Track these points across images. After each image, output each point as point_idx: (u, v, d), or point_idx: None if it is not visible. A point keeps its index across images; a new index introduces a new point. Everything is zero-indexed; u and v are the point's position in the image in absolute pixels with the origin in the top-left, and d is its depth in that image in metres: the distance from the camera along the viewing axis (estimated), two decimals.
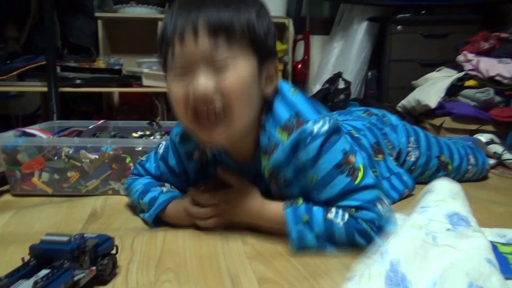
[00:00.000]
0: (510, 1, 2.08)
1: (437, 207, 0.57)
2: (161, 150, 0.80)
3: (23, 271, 0.48)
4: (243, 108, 0.61)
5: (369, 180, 0.64)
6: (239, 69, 0.58)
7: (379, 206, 0.62)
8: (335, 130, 0.64)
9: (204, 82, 0.57)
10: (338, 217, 0.61)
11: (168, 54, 0.60)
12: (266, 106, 0.66)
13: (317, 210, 0.63)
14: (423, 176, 1.03)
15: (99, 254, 0.53)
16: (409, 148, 0.99)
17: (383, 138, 0.94)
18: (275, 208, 0.66)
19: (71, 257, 0.49)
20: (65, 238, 0.50)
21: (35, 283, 0.44)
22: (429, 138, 1.03)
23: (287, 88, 0.67)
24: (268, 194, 0.70)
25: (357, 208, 0.61)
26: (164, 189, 0.77)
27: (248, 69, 0.60)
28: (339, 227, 0.61)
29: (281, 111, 0.64)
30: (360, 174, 0.63)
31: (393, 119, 1.02)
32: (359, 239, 0.61)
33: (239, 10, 0.58)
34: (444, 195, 0.60)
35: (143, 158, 0.84)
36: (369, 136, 0.90)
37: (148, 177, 0.81)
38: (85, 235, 0.53)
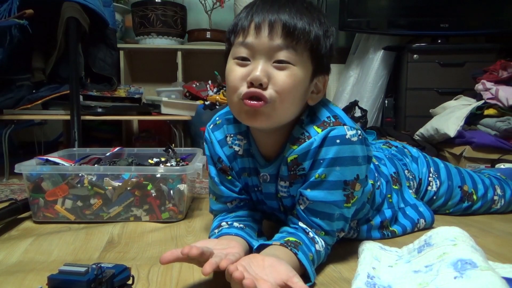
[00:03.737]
0: None
1: (441, 262, 0.58)
2: (209, 184, 0.81)
3: None
4: (288, 105, 0.65)
5: (351, 211, 0.70)
6: (295, 72, 0.64)
7: (338, 234, 0.71)
8: (363, 151, 0.67)
9: (264, 71, 0.63)
10: (321, 246, 0.68)
11: (236, 41, 0.66)
12: (309, 110, 0.71)
13: (310, 244, 0.66)
14: (446, 206, 1.01)
15: (115, 285, 0.54)
16: (430, 178, 0.99)
17: (403, 168, 0.95)
18: (284, 256, 0.61)
19: None
20: (83, 269, 0.51)
21: None
22: (449, 168, 1.03)
23: (329, 101, 0.74)
24: (272, 197, 0.76)
25: (326, 232, 0.69)
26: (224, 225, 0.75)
27: (302, 75, 0.65)
28: (322, 255, 0.69)
29: (322, 113, 0.70)
30: (352, 201, 0.69)
31: (414, 151, 1.03)
32: (324, 261, 0.71)
33: (312, 23, 0.65)
34: (443, 248, 0.61)
35: (210, 204, 0.82)
36: (388, 166, 0.92)
37: (219, 216, 0.80)
38: (102, 266, 0.54)
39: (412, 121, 2.08)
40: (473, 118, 1.67)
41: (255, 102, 0.63)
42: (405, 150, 1.02)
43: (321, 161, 0.66)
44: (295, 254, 0.62)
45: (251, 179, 0.78)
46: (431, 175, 0.99)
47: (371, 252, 0.71)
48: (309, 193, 0.67)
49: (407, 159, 0.98)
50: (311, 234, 0.68)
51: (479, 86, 1.72)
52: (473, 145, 1.54)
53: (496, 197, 1.04)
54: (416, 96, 2.12)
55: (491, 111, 1.63)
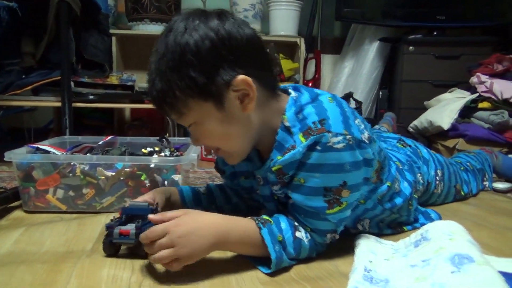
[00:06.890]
0: None
1: (438, 256, 0.57)
2: None
3: (119, 222, 0.68)
4: (230, 143, 0.67)
5: (338, 217, 0.66)
6: (205, 124, 0.65)
7: (328, 236, 0.68)
8: (354, 157, 0.63)
9: (192, 141, 0.71)
10: (303, 236, 0.65)
11: None
12: (296, 107, 0.66)
13: (286, 229, 0.65)
14: (437, 200, 1.03)
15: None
16: (437, 182, 0.99)
17: (417, 171, 0.93)
18: (245, 227, 0.63)
19: None
20: (145, 204, 0.69)
21: (136, 225, 0.66)
22: (449, 168, 1.03)
23: (325, 96, 0.68)
24: (269, 199, 0.74)
25: (312, 230, 0.66)
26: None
27: (210, 118, 0.64)
28: (305, 245, 0.65)
29: (311, 115, 0.64)
30: (337, 209, 0.65)
31: (425, 152, 1.00)
32: (313, 255, 0.68)
33: (175, 72, 0.60)
34: (440, 242, 0.61)
35: None
36: (410, 172, 0.89)
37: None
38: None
39: (406, 113, 2.08)
40: (467, 111, 1.68)
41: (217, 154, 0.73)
42: (418, 150, 0.98)
43: (303, 164, 0.63)
44: (259, 228, 0.62)
45: (249, 181, 0.77)
46: (438, 178, 0.98)
47: (367, 245, 0.71)
48: (290, 194, 0.66)
49: (420, 162, 0.95)
50: (296, 223, 0.66)
51: (474, 79, 1.72)
52: (466, 138, 1.55)
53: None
54: (411, 88, 2.12)
55: (485, 104, 1.64)
